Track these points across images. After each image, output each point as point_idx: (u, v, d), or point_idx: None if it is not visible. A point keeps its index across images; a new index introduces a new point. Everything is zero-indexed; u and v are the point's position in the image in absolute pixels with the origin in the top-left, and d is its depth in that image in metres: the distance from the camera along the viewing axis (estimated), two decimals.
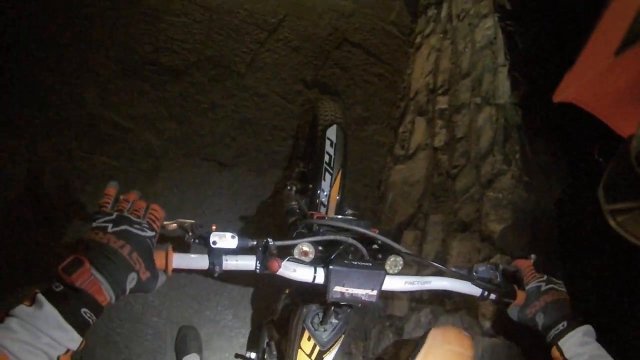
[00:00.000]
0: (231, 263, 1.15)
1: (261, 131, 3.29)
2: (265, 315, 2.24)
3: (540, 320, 1.31)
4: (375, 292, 1.20)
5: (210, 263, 1.13)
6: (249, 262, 1.17)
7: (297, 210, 1.69)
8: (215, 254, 1.14)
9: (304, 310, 1.45)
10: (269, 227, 3.05)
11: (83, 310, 0.91)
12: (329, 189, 2.12)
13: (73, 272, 0.92)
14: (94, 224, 1.03)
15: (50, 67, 3.04)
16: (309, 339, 1.43)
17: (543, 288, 1.34)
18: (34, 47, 3.08)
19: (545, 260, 2.02)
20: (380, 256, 1.27)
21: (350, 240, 1.24)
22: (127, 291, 1.02)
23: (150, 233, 1.06)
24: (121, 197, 1.12)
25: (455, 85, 2.90)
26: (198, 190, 3.01)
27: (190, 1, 3.55)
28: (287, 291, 1.76)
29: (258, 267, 1.16)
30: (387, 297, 2.54)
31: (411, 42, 4.00)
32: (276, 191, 3.13)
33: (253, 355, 2.37)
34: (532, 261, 1.46)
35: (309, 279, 1.20)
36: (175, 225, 1.16)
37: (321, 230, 1.30)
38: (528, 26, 2.58)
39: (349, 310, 1.42)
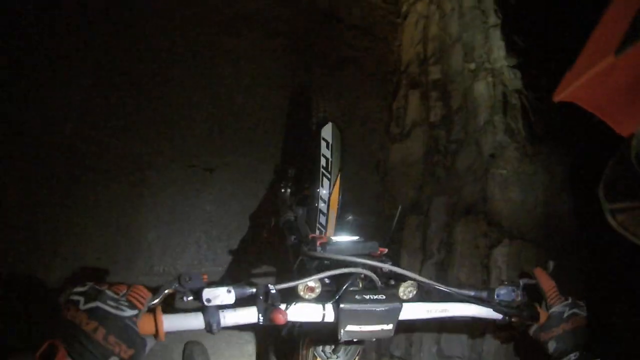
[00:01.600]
0: (230, 319, 1.05)
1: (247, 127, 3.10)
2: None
3: (552, 346, 1.26)
4: (391, 327, 1.10)
5: (206, 323, 1.02)
6: (250, 315, 1.07)
7: (294, 224, 1.62)
8: (211, 312, 1.03)
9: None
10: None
11: None
12: (328, 196, 1.97)
13: None
14: (70, 296, 0.93)
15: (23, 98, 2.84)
16: None
17: (566, 314, 1.27)
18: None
19: (560, 255, 1.84)
20: (393, 282, 1.18)
21: (360, 271, 1.12)
22: None
23: (129, 312, 0.94)
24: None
25: (447, 52, 2.67)
26: (189, 197, 2.86)
27: None
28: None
29: (261, 320, 1.06)
30: None
31: (398, 12, 3.76)
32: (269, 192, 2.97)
33: None
34: (551, 268, 1.35)
35: (318, 319, 1.11)
36: (161, 298, 1.03)
37: (326, 262, 1.19)
38: None
39: None
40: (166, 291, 1.02)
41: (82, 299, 0.92)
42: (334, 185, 1.98)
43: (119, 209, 2.70)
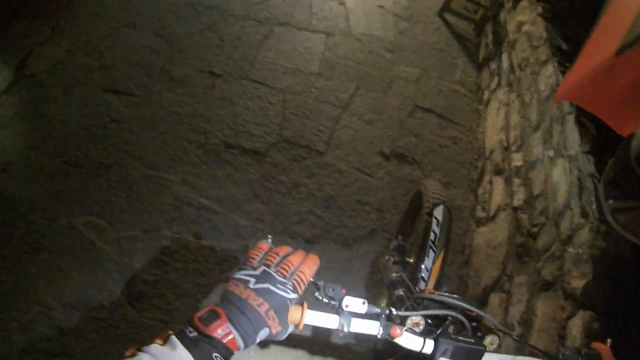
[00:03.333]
0: (357, 326, 1.20)
1: (345, 207, 3.33)
2: None
3: None
4: None
5: (340, 323, 1.18)
6: (373, 327, 1.21)
7: (402, 282, 1.72)
8: (345, 316, 1.19)
9: None
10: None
11: (214, 354, 0.92)
12: (431, 266, 2.15)
13: (210, 322, 0.94)
14: (237, 275, 1.04)
15: (138, 157, 3.21)
16: None
17: None
18: (122, 140, 3.27)
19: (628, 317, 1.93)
20: (479, 334, 1.33)
21: (458, 316, 1.31)
22: (257, 341, 1.02)
23: (292, 295, 1.05)
24: (272, 251, 1.12)
25: (527, 139, 2.86)
26: None
27: (262, 84, 3.72)
28: None
29: (380, 332, 1.21)
30: None
31: (479, 99, 4.00)
32: (364, 264, 3.13)
33: None
34: (609, 345, 1.40)
35: (418, 348, 1.26)
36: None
37: (430, 306, 1.37)
38: None
39: None
40: (314, 293, 1.17)
41: (252, 279, 1.01)
42: (437, 258, 2.16)
43: None
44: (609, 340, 1.41)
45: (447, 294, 1.43)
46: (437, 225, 2.22)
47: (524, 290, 2.43)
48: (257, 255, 1.09)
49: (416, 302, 1.40)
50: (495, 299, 2.67)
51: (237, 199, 3.19)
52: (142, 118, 3.37)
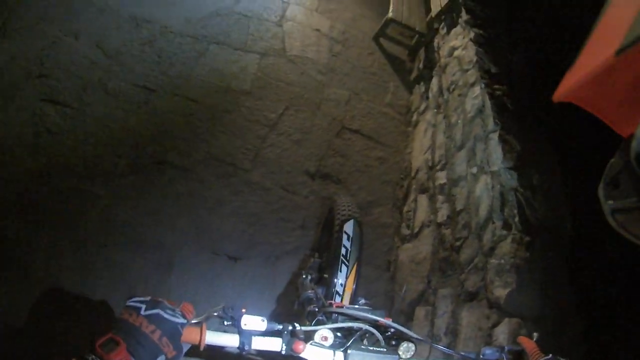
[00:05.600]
0: (259, 343, 1.22)
1: (269, 224, 3.33)
2: None
3: None
4: None
5: (240, 342, 1.20)
6: (275, 344, 1.23)
7: (315, 299, 1.74)
8: (246, 335, 1.21)
9: None
10: (281, 315, 3.03)
11: None
12: (344, 280, 2.18)
13: (110, 351, 0.98)
14: (129, 303, 1.08)
15: (68, 168, 3.11)
16: None
17: None
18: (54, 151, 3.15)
19: (555, 322, 2.01)
20: (394, 342, 1.34)
21: (367, 327, 1.32)
22: None
23: (181, 320, 1.11)
24: None
25: (452, 158, 2.96)
26: (211, 283, 3.02)
27: (194, 101, 3.69)
28: None
29: (284, 349, 1.23)
30: None
31: (408, 121, 4.12)
32: (287, 281, 3.13)
33: None
34: (535, 339, 1.43)
35: None
36: (206, 316, 1.22)
37: (340, 319, 1.39)
38: (515, 87, 2.66)
39: None
40: (213, 314, 1.21)
41: (143, 306, 1.07)
42: (350, 272, 2.18)
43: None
44: (535, 334, 1.43)
45: (357, 306, 1.49)
46: (348, 239, 2.26)
47: (449, 302, 2.50)
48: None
49: (326, 317, 1.44)
50: (421, 312, 2.72)
51: (163, 214, 3.14)
52: (75, 130, 3.27)
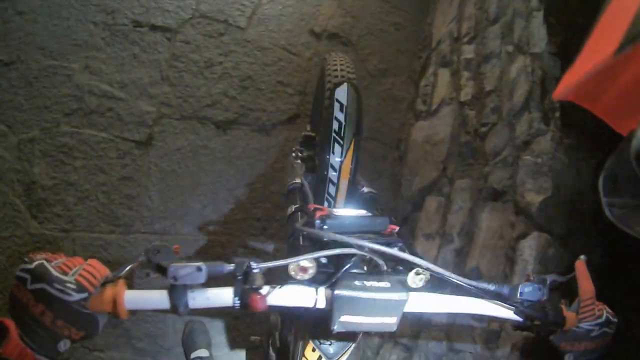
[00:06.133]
0: (200, 301, 0.92)
1: (264, 88, 3.03)
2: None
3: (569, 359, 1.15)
4: (394, 320, 0.94)
5: (171, 303, 0.90)
6: (224, 297, 0.93)
7: (299, 192, 1.47)
8: (178, 291, 0.90)
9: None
10: (274, 194, 2.88)
11: None
12: (339, 164, 1.78)
13: (1, 344, 0.80)
14: (18, 271, 0.85)
15: (40, 49, 2.85)
16: (313, 350, 1.20)
17: (594, 333, 1.14)
18: (25, 33, 2.87)
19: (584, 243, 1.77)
20: (400, 268, 1.02)
21: (362, 253, 0.98)
22: (64, 351, 0.86)
23: (77, 296, 0.84)
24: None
25: (483, 32, 2.55)
26: (196, 156, 2.82)
27: None
28: None
29: (236, 304, 0.91)
30: None
31: None
32: (282, 154, 2.92)
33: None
34: (584, 261, 1.20)
35: (309, 304, 0.96)
36: (124, 273, 0.92)
37: (325, 239, 1.02)
38: None
39: None
40: (130, 266, 0.92)
41: (29, 277, 0.84)
42: (346, 151, 1.77)
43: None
44: (582, 257, 1.22)
45: (351, 211, 1.23)
46: (341, 110, 1.78)
47: (467, 196, 2.23)
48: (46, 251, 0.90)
49: (307, 237, 1.09)
50: (432, 202, 2.48)
51: (142, 83, 2.88)
52: (48, 5, 2.90)
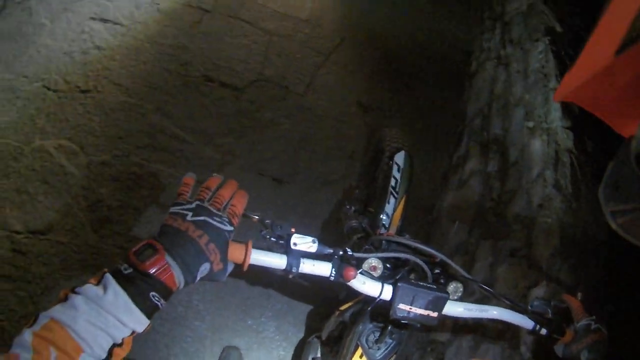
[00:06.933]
0: (308, 266, 1.15)
1: (317, 150, 3.31)
2: (309, 333, 2.26)
3: (584, 357, 1.30)
4: (436, 315, 1.22)
5: (288, 264, 1.12)
6: (325, 268, 1.16)
7: (361, 229, 1.70)
8: (294, 256, 1.13)
9: (360, 327, 1.48)
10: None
11: (152, 294, 0.88)
12: (392, 212, 2.10)
13: (146, 258, 0.89)
14: (173, 209, 1.00)
15: (116, 84, 3.16)
16: (361, 356, 1.46)
17: (592, 327, 1.34)
18: (103, 67, 3.22)
19: (590, 292, 1.98)
20: (442, 281, 1.28)
21: (419, 261, 1.25)
22: (197, 279, 0.98)
23: (229, 227, 1.02)
24: (202, 186, 1.08)
25: (509, 110, 2.87)
26: (252, 204, 2.99)
27: (249, 23, 3.67)
28: (340, 309, 1.77)
29: (333, 275, 1.16)
30: None
31: (467, 69, 3.99)
32: (330, 209, 3.13)
33: None
34: (579, 298, 1.44)
35: (376, 294, 1.22)
36: (256, 218, 1.14)
37: (389, 249, 1.31)
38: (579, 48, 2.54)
39: (403, 332, 1.45)
40: (261, 215, 1.13)
41: (189, 213, 0.97)
42: (398, 204, 2.12)
43: None
44: (579, 294, 1.43)
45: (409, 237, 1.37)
46: (398, 170, 2.18)
47: (489, 254, 2.47)
48: (186, 190, 1.05)
49: (374, 246, 1.35)
50: (458, 260, 2.70)
51: (210, 132, 3.16)
52: (126, 47, 3.30)
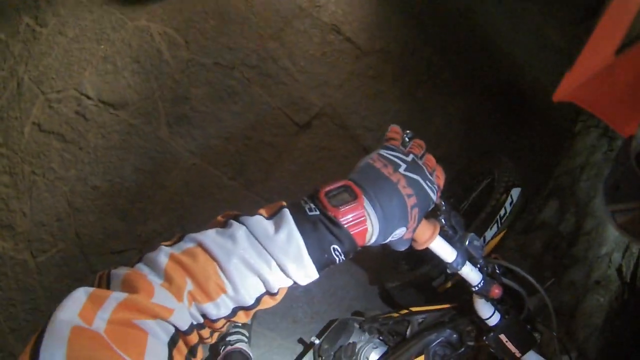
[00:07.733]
0: (466, 270, 1.14)
1: None
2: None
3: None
4: (519, 356, 1.28)
5: (455, 260, 1.10)
6: (475, 277, 1.16)
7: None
8: (463, 255, 1.10)
9: (433, 336, 1.56)
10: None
11: (334, 246, 0.73)
12: (489, 239, 2.18)
13: (341, 203, 0.74)
14: (384, 152, 0.85)
15: None
16: None
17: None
18: None
19: None
20: (529, 326, 1.35)
21: (527, 301, 1.30)
22: (386, 241, 0.84)
23: (435, 198, 0.87)
24: (415, 141, 0.92)
25: (600, 182, 2.89)
26: None
27: None
28: (412, 309, 1.86)
29: (480, 285, 1.16)
30: None
31: (573, 127, 3.94)
32: None
33: None
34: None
35: (486, 316, 1.29)
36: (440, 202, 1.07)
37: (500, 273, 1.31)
38: None
39: None
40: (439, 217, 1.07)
41: (403, 165, 0.82)
42: (498, 234, 2.19)
43: None
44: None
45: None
46: (510, 204, 2.22)
47: None
48: (396, 139, 0.91)
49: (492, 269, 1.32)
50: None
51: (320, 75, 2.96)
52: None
